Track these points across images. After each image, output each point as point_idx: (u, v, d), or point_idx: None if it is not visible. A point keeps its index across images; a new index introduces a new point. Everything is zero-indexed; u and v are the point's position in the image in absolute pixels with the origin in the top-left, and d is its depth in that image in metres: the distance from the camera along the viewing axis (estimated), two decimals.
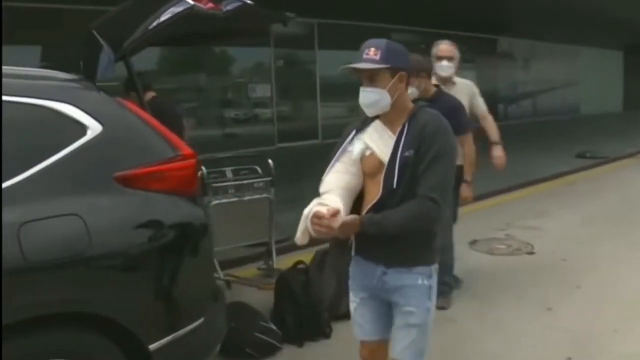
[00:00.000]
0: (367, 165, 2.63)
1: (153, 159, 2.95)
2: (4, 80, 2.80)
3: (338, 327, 4.57)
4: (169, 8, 3.27)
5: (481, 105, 5.50)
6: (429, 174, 2.45)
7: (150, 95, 5.39)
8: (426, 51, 5.07)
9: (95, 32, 3.28)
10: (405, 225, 2.48)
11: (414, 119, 2.55)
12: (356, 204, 2.68)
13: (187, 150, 3.07)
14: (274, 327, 4.32)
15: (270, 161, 5.88)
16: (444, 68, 5.18)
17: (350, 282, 2.79)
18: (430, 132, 2.49)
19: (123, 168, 2.84)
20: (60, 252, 2.61)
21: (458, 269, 5.49)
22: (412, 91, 4.67)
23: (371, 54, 2.52)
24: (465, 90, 5.37)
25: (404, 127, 2.55)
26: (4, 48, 7.92)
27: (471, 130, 5.01)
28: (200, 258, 3.14)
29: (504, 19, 15.66)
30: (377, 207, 2.52)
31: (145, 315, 2.86)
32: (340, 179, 2.63)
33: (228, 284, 5.48)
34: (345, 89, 10.99)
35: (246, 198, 5.71)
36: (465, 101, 5.17)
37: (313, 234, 2.49)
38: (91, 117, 2.84)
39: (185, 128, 5.80)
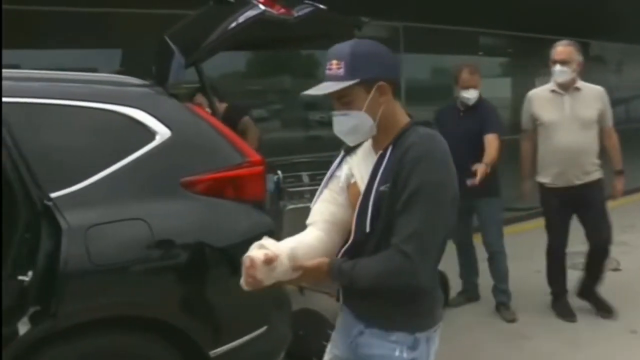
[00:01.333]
0: (352, 196, 2.05)
1: (221, 165, 2.96)
2: (78, 85, 2.91)
3: None
4: (241, 14, 3.28)
5: (608, 120, 4.87)
6: (404, 219, 1.85)
7: (223, 106, 5.40)
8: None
9: (167, 39, 3.32)
10: (375, 282, 1.92)
11: (400, 141, 1.92)
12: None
13: (255, 156, 3.06)
14: None
15: None
16: (558, 73, 4.73)
17: (333, 332, 2.29)
18: (409, 160, 1.85)
19: (190, 173, 2.87)
20: (124, 256, 2.65)
21: (536, 284, 5.25)
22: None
23: (334, 67, 1.93)
24: (594, 97, 4.82)
25: (385, 151, 1.94)
26: (95, 51, 8.30)
27: (499, 132, 4.85)
28: None
29: (598, 22, 14.98)
30: (351, 253, 1.99)
31: (206, 322, 2.87)
32: (325, 211, 2.09)
33: (301, 289, 5.45)
34: (432, 94, 10.84)
35: None
36: (593, 110, 4.76)
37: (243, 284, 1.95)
38: (160, 123, 2.88)
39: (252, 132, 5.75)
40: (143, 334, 2.75)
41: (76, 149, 2.73)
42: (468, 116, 4.96)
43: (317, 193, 2.14)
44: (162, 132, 2.86)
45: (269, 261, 1.89)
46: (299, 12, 3.45)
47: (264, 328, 3.04)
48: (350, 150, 2.11)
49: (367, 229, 1.93)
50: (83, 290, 2.56)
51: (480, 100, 4.98)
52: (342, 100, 1.95)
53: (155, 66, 3.39)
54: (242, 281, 1.95)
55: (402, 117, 2.01)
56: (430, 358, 2.05)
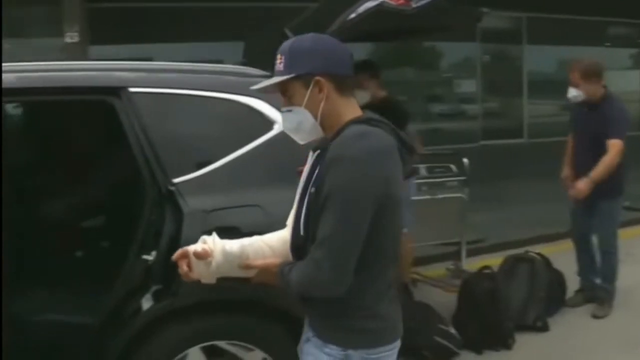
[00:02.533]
0: None
1: None
2: (204, 76, 3.04)
3: (522, 339, 4.35)
4: (360, 5, 3.30)
5: None
6: (320, 224, 1.74)
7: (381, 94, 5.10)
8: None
9: (287, 31, 3.39)
10: (298, 289, 1.84)
11: (335, 140, 1.80)
12: None
13: None
14: (454, 331, 4.21)
15: (465, 160, 5.76)
16: None
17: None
18: (328, 160, 1.74)
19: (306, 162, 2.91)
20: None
21: None
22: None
23: (278, 62, 1.87)
24: None
25: (323, 152, 1.83)
26: (221, 44, 8.59)
27: (620, 137, 4.55)
28: None
29: None
30: (293, 256, 1.92)
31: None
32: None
33: (414, 282, 5.45)
34: (555, 86, 10.42)
35: (439, 196, 5.66)
36: None
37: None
38: (279, 112, 2.94)
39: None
40: (257, 317, 2.85)
41: (199, 137, 2.88)
42: (592, 115, 4.76)
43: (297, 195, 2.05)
44: (280, 122, 2.93)
45: (199, 255, 1.91)
46: (417, 3, 3.42)
47: None
48: (316, 149, 1.97)
49: (302, 232, 1.85)
50: None
51: (605, 98, 4.73)
52: (285, 95, 1.89)
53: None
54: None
55: (351, 115, 1.86)
56: None
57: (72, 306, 3.26)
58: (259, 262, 1.96)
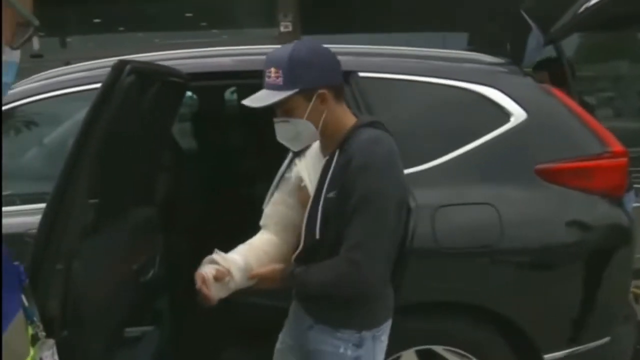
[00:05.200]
0: (303, 200, 2.01)
1: (577, 154, 2.70)
2: (432, 62, 2.88)
3: None
4: None
5: None
6: (351, 227, 1.83)
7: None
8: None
9: (524, 14, 3.11)
10: (324, 289, 1.93)
11: (346, 146, 1.87)
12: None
13: (618, 147, 2.73)
14: None
15: None
16: None
17: (287, 320, 2.23)
18: (355, 167, 1.82)
19: (544, 160, 2.66)
20: (470, 241, 2.58)
21: None
22: None
23: (272, 76, 1.86)
24: None
25: (332, 157, 1.90)
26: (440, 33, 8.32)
27: None
28: (617, 269, 2.77)
29: None
30: (302, 259, 1.96)
31: (545, 322, 2.68)
32: (277, 214, 2.09)
33: (636, 297, 4.90)
34: None
35: None
36: None
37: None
38: (516, 104, 2.72)
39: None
40: (474, 324, 2.67)
41: (428, 127, 2.72)
42: None
43: (268, 195, 2.11)
44: (517, 114, 2.69)
45: (220, 277, 1.93)
46: None
47: (607, 339, 2.76)
48: (298, 152, 2.05)
49: (317, 236, 1.89)
50: (424, 271, 2.50)
51: None
52: (282, 107, 1.90)
53: (509, 43, 3.21)
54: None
55: (348, 120, 1.95)
56: (377, 357, 2.04)
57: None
58: (263, 270, 2.00)
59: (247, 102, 1.92)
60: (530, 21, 3.07)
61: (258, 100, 1.89)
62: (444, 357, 2.74)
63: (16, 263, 1.07)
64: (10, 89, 3.00)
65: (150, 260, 2.67)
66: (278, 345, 2.24)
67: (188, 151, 4.75)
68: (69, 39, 11.42)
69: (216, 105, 5.55)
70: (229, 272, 1.97)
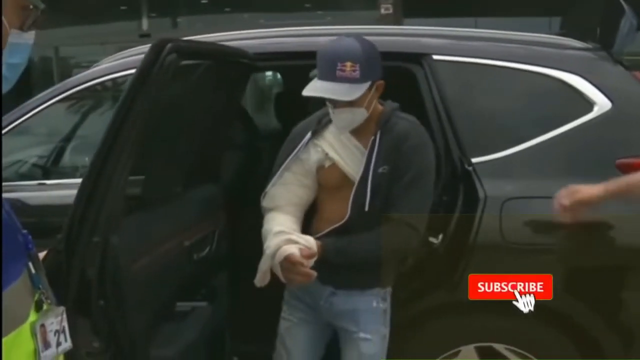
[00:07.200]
0: (328, 179, 2.20)
1: None
2: (513, 46, 2.76)
3: None
4: None
5: None
6: (409, 197, 2.08)
7: None
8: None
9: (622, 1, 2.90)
10: (379, 253, 2.10)
11: (387, 127, 2.12)
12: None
13: None
14: None
15: None
16: None
17: (289, 297, 2.31)
18: (411, 146, 2.09)
19: (627, 154, 2.50)
20: (538, 237, 2.49)
21: None
22: None
23: (348, 69, 1.99)
24: None
25: (375, 137, 2.11)
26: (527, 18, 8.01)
27: None
28: None
29: None
30: (341, 231, 2.11)
31: (617, 327, 2.56)
32: (291, 194, 2.21)
33: None
34: None
35: None
36: None
37: (283, 279, 2.07)
38: (600, 92, 2.56)
39: None
40: (542, 324, 2.53)
41: (505, 114, 2.62)
42: None
43: (276, 176, 2.20)
44: (602, 104, 2.54)
45: (310, 256, 2.03)
46: None
47: None
48: (316, 133, 2.19)
49: (367, 208, 2.06)
50: (485, 264, 2.45)
51: None
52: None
53: (600, 28, 3.01)
54: (261, 276, 2.10)
55: (377, 105, 2.16)
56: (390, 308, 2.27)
57: None
58: (314, 248, 2.09)
59: (329, 94, 2.03)
60: (623, 3, 2.87)
61: (341, 93, 2.01)
62: (504, 356, 2.63)
63: (25, 231, 1.09)
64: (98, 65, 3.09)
65: (208, 237, 2.68)
66: (285, 324, 2.31)
67: (269, 131, 4.74)
68: (178, 19, 11.75)
69: (300, 86, 5.53)
70: (313, 250, 2.07)
